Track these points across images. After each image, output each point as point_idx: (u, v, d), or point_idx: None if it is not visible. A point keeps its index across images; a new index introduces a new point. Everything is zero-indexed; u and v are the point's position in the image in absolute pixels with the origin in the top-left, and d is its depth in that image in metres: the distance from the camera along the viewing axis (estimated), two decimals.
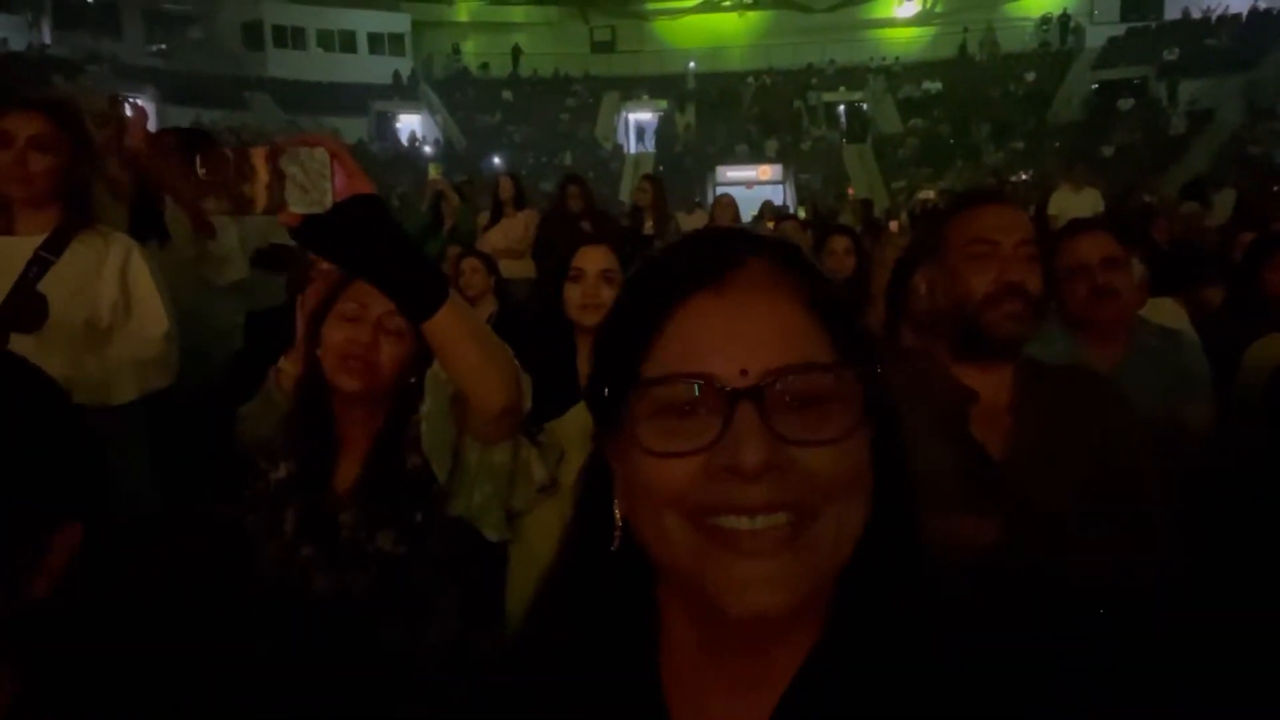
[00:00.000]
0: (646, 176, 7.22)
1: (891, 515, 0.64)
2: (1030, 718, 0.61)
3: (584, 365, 2.28)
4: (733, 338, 0.61)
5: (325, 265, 1.45)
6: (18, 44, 23.70)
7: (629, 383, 0.63)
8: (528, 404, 1.42)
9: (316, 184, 1.06)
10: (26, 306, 2.16)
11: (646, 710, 0.66)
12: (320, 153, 1.07)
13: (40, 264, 2.19)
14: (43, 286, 2.18)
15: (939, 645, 0.62)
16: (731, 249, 0.65)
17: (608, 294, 2.23)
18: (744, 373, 0.59)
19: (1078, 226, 2.43)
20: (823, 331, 0.63)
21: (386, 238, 1.14)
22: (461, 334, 1.25)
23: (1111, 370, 2.19)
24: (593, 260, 2.24)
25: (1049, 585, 1.41)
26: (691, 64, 31.40)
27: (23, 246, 2.21)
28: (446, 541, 1.54)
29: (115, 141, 2.81)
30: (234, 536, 1.60)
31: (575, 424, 1.71)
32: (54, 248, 2.21)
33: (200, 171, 0.96)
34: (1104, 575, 1.44)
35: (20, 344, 2.12)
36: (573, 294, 2.22)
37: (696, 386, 0.60)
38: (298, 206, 1.07)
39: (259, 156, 1.05)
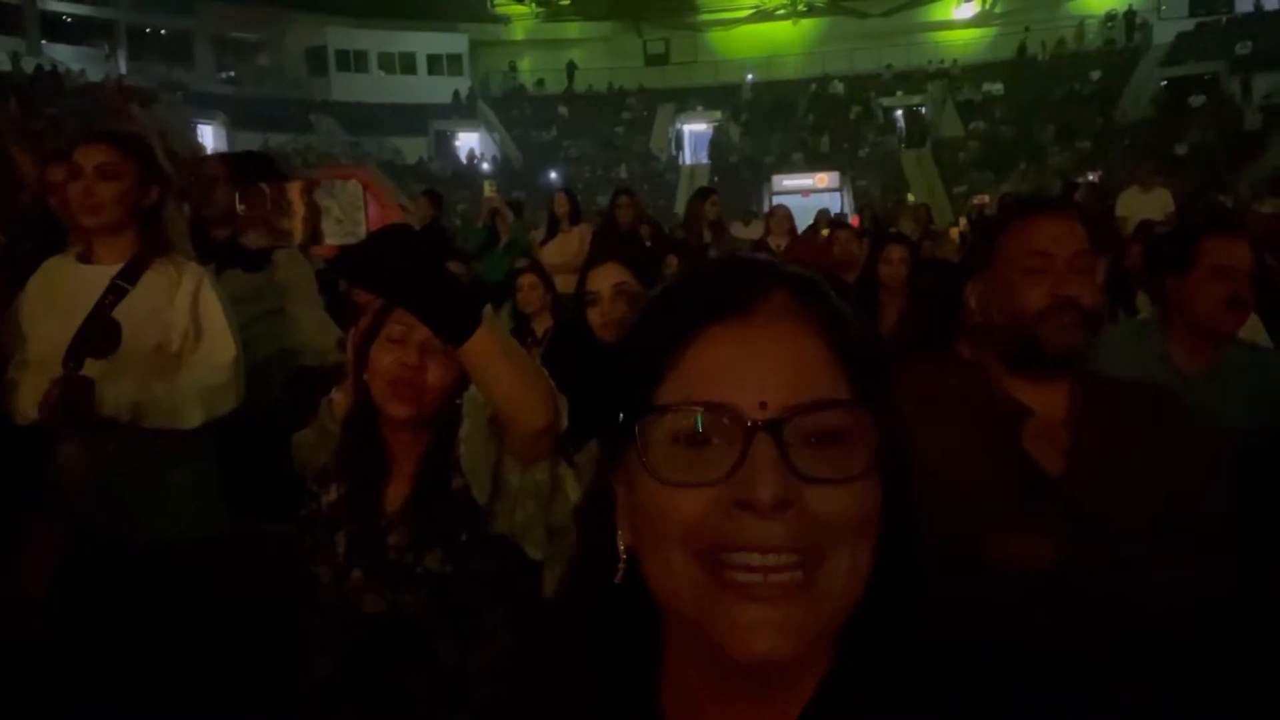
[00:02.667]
0: (702, 190, 7.22)
1: (898, 555, 0.63)
2: None
3: None
4: (753, 369, 0.60)
5: (370, 296, 1.48)
6: (95, 74, 24.77)
7: (642, 408, 0.61)
8: (564, 423, 1.42)
9: (351, 215, 1.08)
10: (101, 333, 2.24)
11: None
12: (353, 185, 1.09)
13: (116, 292, 2.28)
14: (117, 313, 2.27)
15: (943, 684, 0.61)
16: (755, 279, 0.64)
17: (623, 308, 2.23)
18: (763, 405, 0.58)
19: (1227, 228, 2.28)
20: (842, 368, 0.62)
21: (419, 264, 1.16)
22: (497, 356, 1.26)
23: (1199, 378, 2.11)
24: (603, 279, 2.26)
25: (1113, 606, 1.36)
26: (749, 76, 31.38)
27: (101, 275, 2.30)
28: (492, 560, 1.55)
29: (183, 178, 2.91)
30: (289, 557, 1.63)
31: None
32: (129, 276, 2.30)
33: (240, 208, 0.98)
34: (1170, 595, 1.38)
35: (93, 368, 2.21)
36: (593, 317, 2.24)
37: (714, 416, 0.59)
38: (334, 238, 1.09)
39: (295, 191, 1.07)
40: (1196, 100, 23.93)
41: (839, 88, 29.62)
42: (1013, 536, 1.37)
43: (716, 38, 34.27)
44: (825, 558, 0.58)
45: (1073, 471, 1.42)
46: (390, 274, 1.15)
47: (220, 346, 2.34)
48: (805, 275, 0.66)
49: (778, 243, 6.79)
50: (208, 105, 26.17)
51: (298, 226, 1.07)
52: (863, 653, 0.63)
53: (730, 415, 0.58)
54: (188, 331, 2.32)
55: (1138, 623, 1.29)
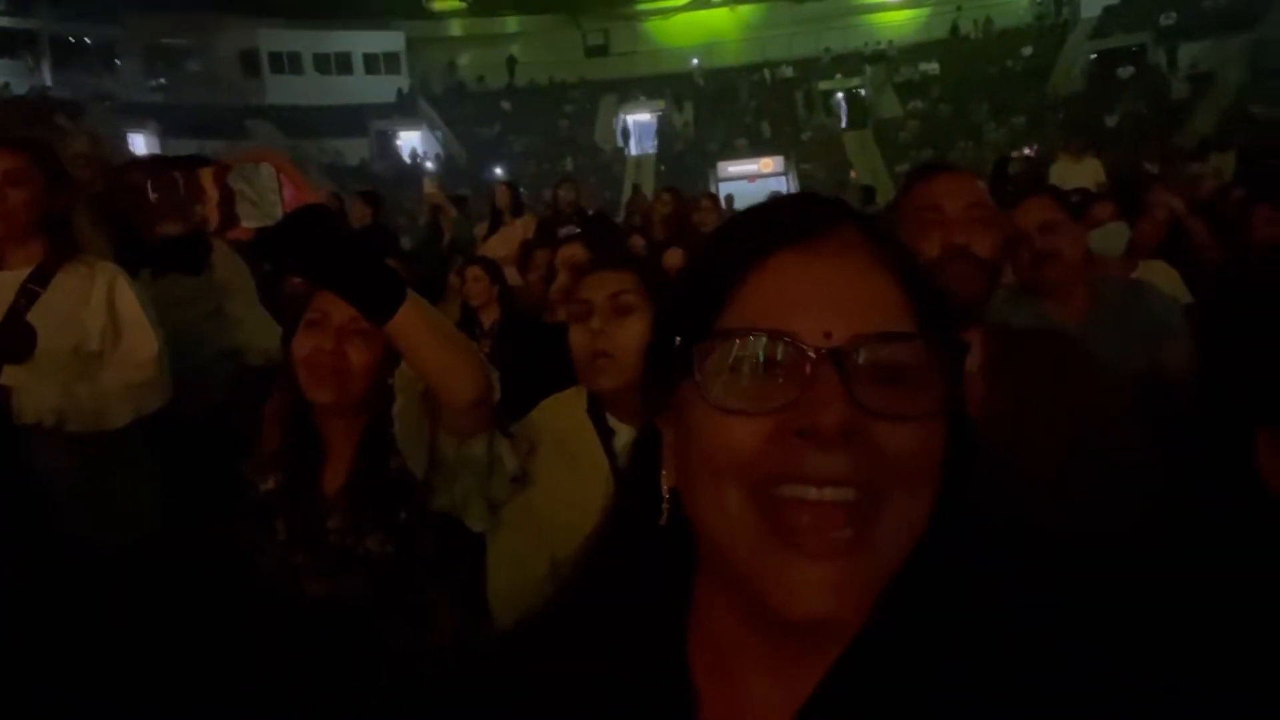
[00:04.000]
0: (666, 189, 7.20)
1: (951, 507, 0.60)
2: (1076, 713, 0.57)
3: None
4: (819, 298, 0.58)
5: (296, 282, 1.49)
6: (19, 88, 24.02)
7: (702, 334, 0.59)
8: (497, 394, 1.44)
9: (266, 198, 1.09)
10: (15, 337, 2.21)
11: (672, 688, 0.64)
12: (266, 167, 1.10)
13: (28, 295, 2.24)
14: (31, 317, 2.23)
15: (986, 640, 0.59)
16: (824, 211, 0.63)
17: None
18: (827, 334, 0.56)
19: (1019, 193, 2.47)
20: (909, 305, 0.60)
21: (338, 244, 1.17)
22: (424, 331, 1.28)
23: (1077, 328, 2.21)
24: (565, 258, 2.25)
25: (1033, 542, 1.43)
26: (694, 60, 31.44)
27: (10, 280, 2.26)
28: (434, 538, 1.57)
29: (98, 179, 2.87)
30: (228, 551, 1.63)
31: (547, 415, 1.73)
32: (40, 279, 2.27)
33: (152, 196, 0.98)
34: (1085, 529, 1.45)
35: (12, 374, 2.17)
36: (554, 292, 2.23)
37: (778, 343, 0.57)
38: (250, 221, 1.10)
39: (207, 176, 1.08)
40: (1125, 72, 24.52)
41: (788, 72, 29.80)
42: None
43: (655, 27, 34.25)
44: (884, 498, 0.56)
45: (987, 417, 1.49)
46: (309, 254, 1.16)
47: (141, 343, 2.32)
48: (871, 214, 0.65)
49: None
50: (138, 114, 25.49)
51: (212, 211, 1.08)
52: (901, 610, 0.60)
53: (795, 343, 0.56)
54: (106, 330, 2.29)
55: (1053, 553, 1.36)
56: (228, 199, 1.08)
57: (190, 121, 25.29)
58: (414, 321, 1.25)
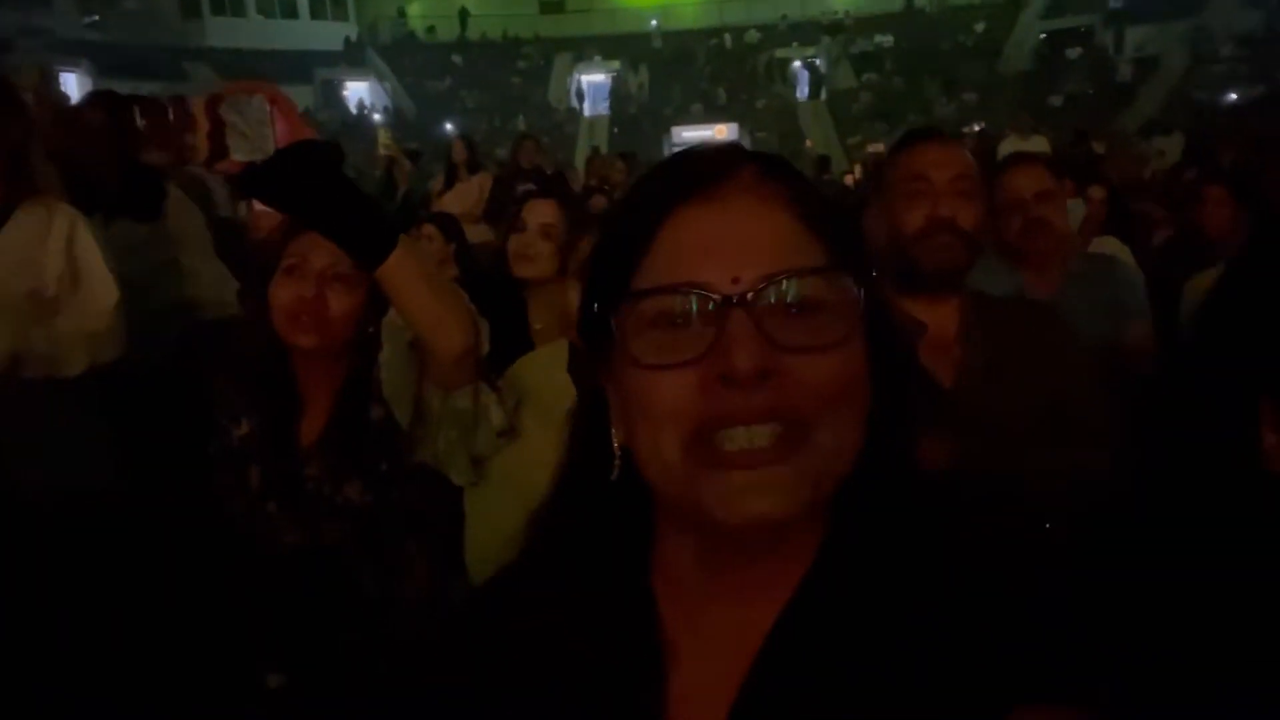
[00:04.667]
0: (621, 155, 7.18)
1: (887, 430, 0.63)
2: (1032, 632, 0.59)
3: (533, 319, 2.30)
4: (724, 245, 0.60)
5: (270, 228, 1.44)
6: None
7: (618, 298, 0.61)
8: (485, 347, 1.43)
9: (257, 131, 1.06)
10: None
11: (639, 626, 0.66)
12: (259, 100, 1.06)
13: None
14: None
15: (935, 559, 0.62)
16: (721, 160, 0.64)
17: (544, 247, 2.24)
18: (736, 280, 0.58)
19: (1014, 161, 2.50)
20: (816, 239, 0.62)
21: (331, 184, 1.13)
22: (414, 279, 1.26)
23: (1050, 298, 2.27)
24: (535, 214, 2.26)
25: (1004, 501, 1.47)
26: (654, 22, 31.06)
27: None
28: (413, 490, 1.56)
29: (48, 118, 2.74)
30: (193, 500, 1.60)
31: (526, 372, 1.73)
32: None
33: (140, 123, 0.94)
34: (1055, 490, 1.50)
35: None
36: (513, 243, 2.24)
37: (688, 296, 0.59)
38: (240, 154, 1.06)
39: (198, 106, 1.05)
40: (1073, 52, 24.92)
41: (755, 37, 29.59)
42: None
43: None
44: (812, 425, 0.58)
45: (963, 382, 1.53)
46: (300, 192, 1.12)
47: (101, 291, 2.23)
48: (770, 154, 0.66)
49: None
50: (72, 53, 24.34)
51: (202, 142, 1.05)
52: (857, 528, 0.62)
53: (704, 293, 0.58)
54: (63, 276, 2.19)
55: (1025, 513, 1.40)
56: (218, 130, 1.05)
57: (125, 62, 24.23)
58: (405, 269, 1.23)
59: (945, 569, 0.61)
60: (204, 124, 1.04)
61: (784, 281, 0.58)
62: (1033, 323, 1.61)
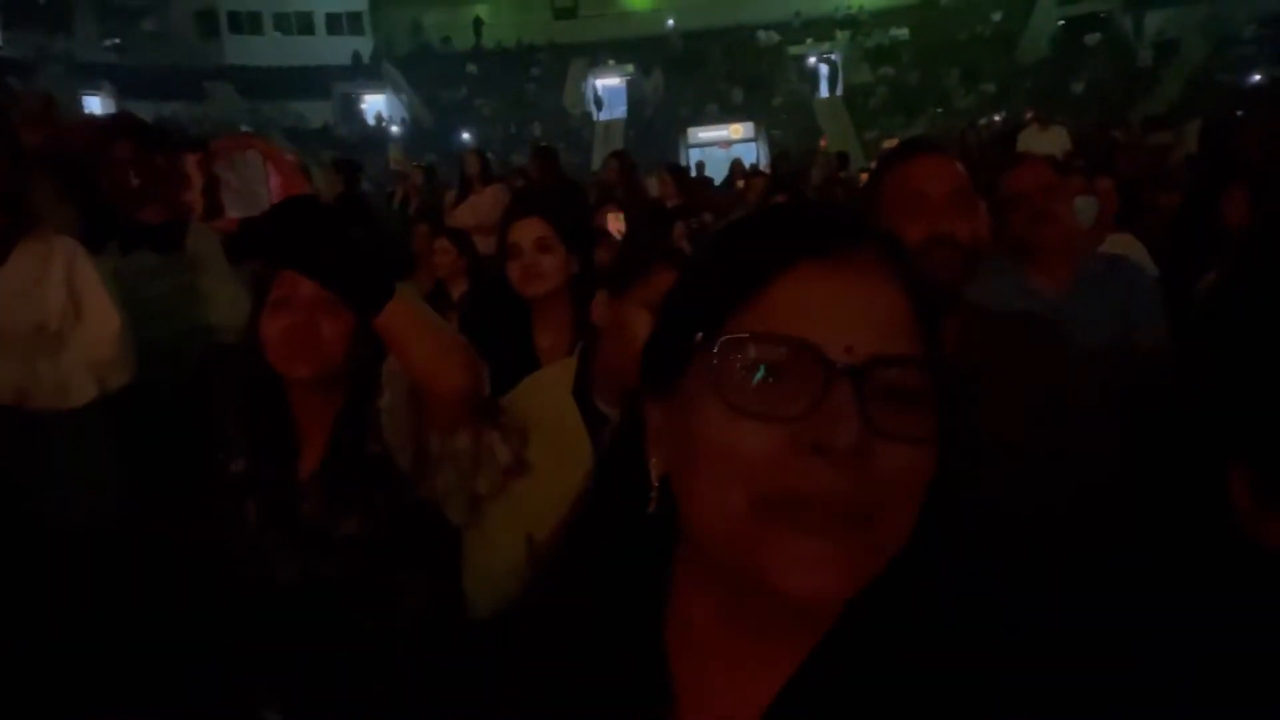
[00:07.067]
0: (613, 154, 7.19)
1: (933, 519, 0.62)
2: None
3: (539, 337, 2.30)
4: (842, 312, 0.59)
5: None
6: None
7: (721, 331, 0.59)
8: (486, 390, 1.42)
9: (252, 187, 1.06)
10: None
11: (650, 679, 0.65)
12: (254, 156, 1.06)
13: None
14: None
15: (950, 642, 0.61)
16: (848, 227, 0.63)
17: (547, 263, 2.24)
18: (849, 349, 0.57)
19: (1017, 159, 2.47)
20: (920, 328, 0.61)
21: (326, 236, 1.13)
22: (412, 326, 1.25)
23: (1059, 299, 2.23)
24: (525, 232, 2.26)
25: (1004, 519, 1.45)
26: (670, 21, 31.05)
27: None
28: (410, 523, 1.56)
29: (54, 143, 2.78)
30: (198, 531, 1.62)
31: (532, 395, 1.72)
32: None
33: (135, 182, 0.95)
34: (1056, 507, 1.47)
35: None
36: (512, 270, 2.24)
37: (799, 353, 0.57)
38: (235, 211, 1.07)
39: (192, 164, 1.05)
40: (1092, 38, 24.62)
41: (774, 38, 29.49)
42: None
43: None
44: (878, 514, 0.57)
45: (961, 397, 1.51)
46: (295, 246, 1.12)
47: (103, 319, 2.27)
48: (891, 235, 0.65)
49: (673, 204, 6.80)
50: (94, 75, 24.76)
51: (197, 199, 1.05)
52: (874, 608, 0.61)
53: (815, 355, 0.57)
54: (66, 307, 2.23)
55: (1022, 528, 1.38)
56: (213, 187, 1.05)
57: (147, 83, 24.61)
58: (402, 317, 1.22)
59: (955, 654, 0.60)
60: (199, 181, 1.05)
61: (894, 365, 0.58)
62: (1032, 335, 1.59)
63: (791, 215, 0.66)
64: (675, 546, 0.66)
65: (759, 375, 0.58)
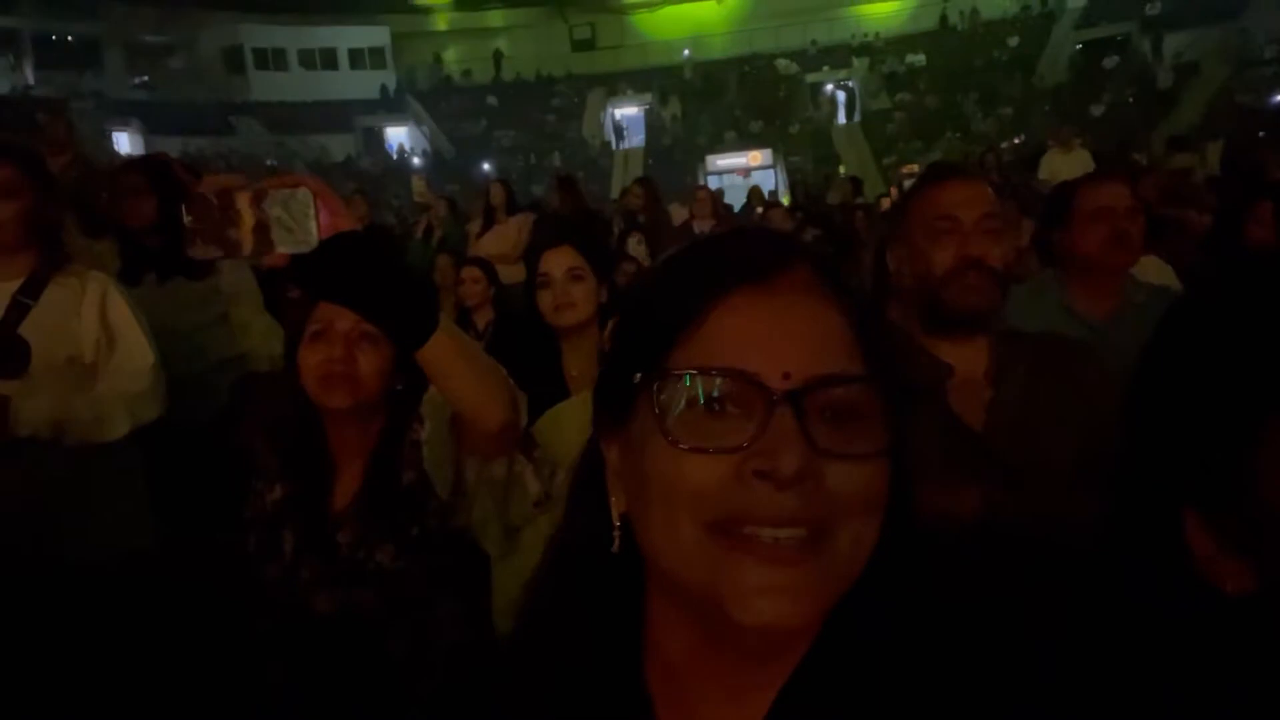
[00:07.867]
0: (638, 180, 7.24)
1: (897, 538, 0.62)
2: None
3: (569, 366, 2.31)
4: (777, 338, 0.59)
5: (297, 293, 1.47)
6: (2, 87, 23.78)
7: (659, 370, 0.59)
8: (524, 420, 1.43)
9: (301, 224, 1.07)
10: (8, 351, 2.18)
11: (631, 713, 0.65)
12: (303, 193, 1.08)
13: (19, 309, 2.21)
14: (23, 330, 2.20)
15: (933, 657, 0.61)
16: (779, 251, 0.63)
17: (578, 291, 2.25)
18: (786, 375, 0.57)
19: (1099, 174, 2.46)
20: (859, 346, 0.61)
21: (373, 271, 1.16)
22: (455, 358, 1.26)
23: (1103, 322, 2.21)
24: (557, 262, 2.26)
25: (1041, 549, 1.44)
26: (686, 52, 31.39)
27: (1, 293, 2.23)
28: (445, 553, 1.56)
29: (74, 166, 2.83)
30: (233, 562, 1.63)
31: (558, 426, 1.72)
32: (31, 291, 2.23)
33: (187, 219, 0.97)
34: (1093, 535, 1.46)
35: (6, 388, 2.13)
36: (544, 300, 2.24)
37: (737, 384, 0.57)
38: (285, 247, 1.08)
39: (244, 200, 1.07)
40: (1110, 61, 24.60)
41: (793, 68, 29.68)
42: (938, 490, 1.43)
43: (642, 20, 34.14)
44: (834, 532, 0.57)
45: (994, 425, 1.50)
46: (345, 282, 1.15)
47: (136, 352, 2.30)
48: (825, 252, 0.66)
49: (702, 226, 6.83)
50: (122, 112, 25.30)
51: (246, 237, 1.07)
52: (850, 632, 0.61)
53: (753, 384, 0.57)
54: (100, 341, 2.27)
55: (1060, 562, 1.37)
56: (263, 224, 1.07)
57: (175, 119, 25.12)
58: (446, 350, 1.23)
59: (934, 674, 0.60)
60: (249, 218, 1.07)
61: (832, 385, 0.58)
62: (1066, 360, 1.57)
63: (722, 243, 0.66)
64: (646, 582, 0.66)
65: (700, 407, 0.58)
